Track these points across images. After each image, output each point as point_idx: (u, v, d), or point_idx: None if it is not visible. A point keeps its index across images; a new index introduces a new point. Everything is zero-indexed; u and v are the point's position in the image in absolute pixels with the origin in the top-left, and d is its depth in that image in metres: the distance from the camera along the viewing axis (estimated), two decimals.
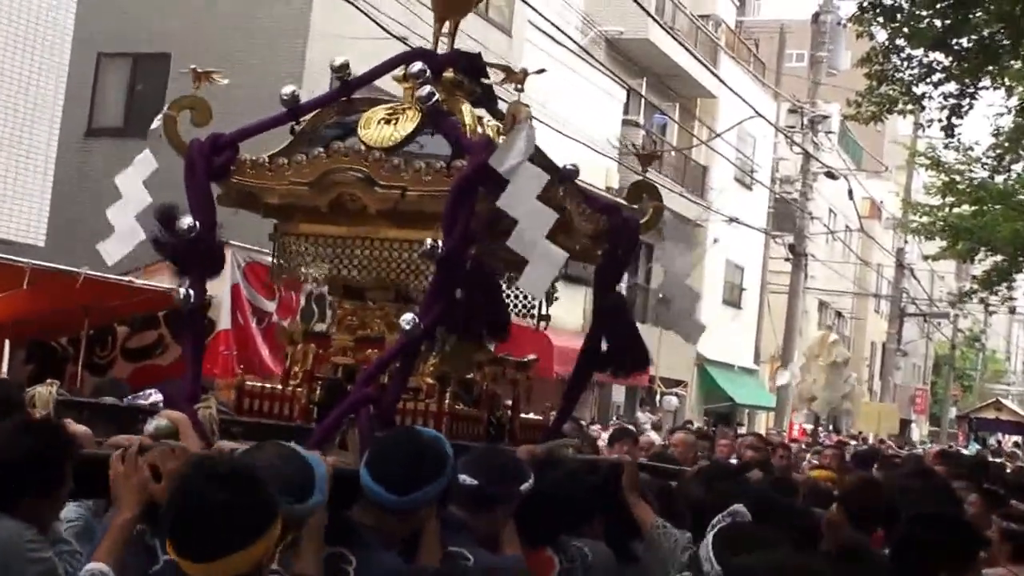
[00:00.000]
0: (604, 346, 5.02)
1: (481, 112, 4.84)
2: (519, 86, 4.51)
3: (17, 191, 12.06)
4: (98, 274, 8.70)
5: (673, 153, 28.14)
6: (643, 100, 26.49)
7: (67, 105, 16.97)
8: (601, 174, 22.60)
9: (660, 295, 5.75)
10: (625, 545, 4.31)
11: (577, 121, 18.37)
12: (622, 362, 5.02)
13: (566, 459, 4.35)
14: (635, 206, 5.18)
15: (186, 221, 4.23)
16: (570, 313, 19.74)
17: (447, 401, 4.39)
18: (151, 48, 17.44)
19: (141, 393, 8.32)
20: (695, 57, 27.71)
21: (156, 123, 4.52)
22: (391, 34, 13.16)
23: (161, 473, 3.00)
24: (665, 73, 27.38)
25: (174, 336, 9.70)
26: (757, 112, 23.30)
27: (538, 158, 4.23)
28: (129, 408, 4.73)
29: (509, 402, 5.04)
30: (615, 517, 4.30)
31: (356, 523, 3.31)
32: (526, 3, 18.01)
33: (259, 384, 4.68)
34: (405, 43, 12.92)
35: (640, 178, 5.43)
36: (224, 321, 9.29)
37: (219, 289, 9.03)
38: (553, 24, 20.18)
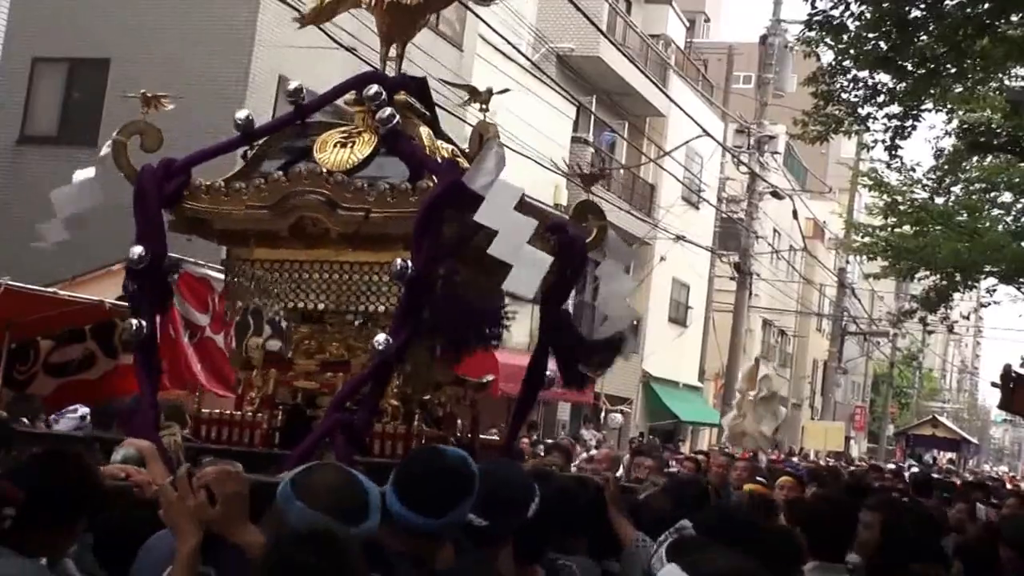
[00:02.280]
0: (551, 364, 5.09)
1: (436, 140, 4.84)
2: (484, 106, 4.50)
3: None
4: (20, 284, 8.46)
5: (622, 171, 28.29)
6: (593, 117, 26.62)
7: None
8: (550, 191, 22.67)
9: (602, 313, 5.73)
10: (604, 560, 4.32)
11: (527, 137, 18.40)
12: (572, 376, 5.08)
13: (556, 475, 4.35)
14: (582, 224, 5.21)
15: (136, 251, 4.17)
16: (515, 332, 19.74)
17: (415, 423, 4.35)
18: (89, 53, 17.15)
19: (68, 409, 8.17)
20: (645, 75, 27.93)
21: (105, 150, 4.45)
22: (339, 44, 13.06)
23: (216, 497, 2.87)
24: (615, 91, 27.59)
25: (102, 349, 9.49)
26: (705, 131, 23.52)
27: None
28: (85, 439, 4.62)
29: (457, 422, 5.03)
30: (597, 532, 4.32)
31: (388, 551, 3.16)
32: (478, 18, 18.01)
33: (216, 412, 4.60)
34: (354, 53, 12.85)
35: (585, 198, 5.46)
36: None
37: None
38: (505, 39, 20.22)
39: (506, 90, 4.90)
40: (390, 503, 3.17)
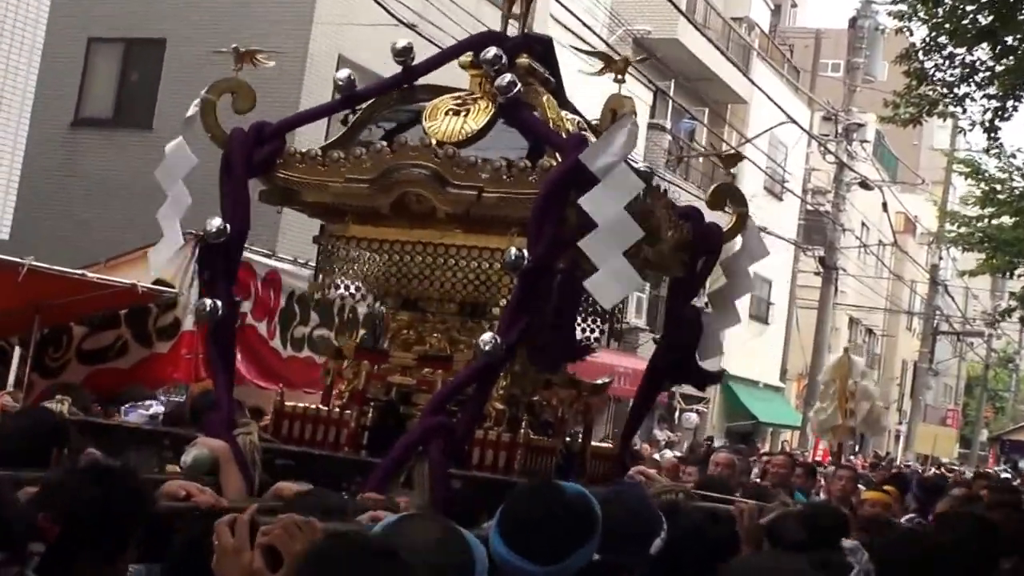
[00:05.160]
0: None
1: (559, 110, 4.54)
2: (620, 76, 4.18)
3: None
4: (44, 265, 8.25)
5: (701, 159, 27.87)
6: (671, 103, 26.22)
7: (53, 94, 16.76)
8: None
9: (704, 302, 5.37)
10: None
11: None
12: (696, 376, 4.86)
13: (685, 509, 3.98)
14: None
15: (215, 223, 3.90)
16: None
17: (522, 431, 4.05)
18: (144, 33, 17.11)
19: (141, 403, 7.94)
20: (727, 59, 27.48)
21: (192, 110, 4.19)
22: (400, 20, 12.84)
23: (282, 556, 2.33)
24: (695, 76, 27.17)
25: (135, 337, 9.27)
26: (789, 117, 23.04)
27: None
28: (154, 432, 4.36)
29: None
30: None
31: None
32: None
33: (301, 406, 4.35)
34: (414, 29, 12.59)
35: (724, 181, 5.20)
36: (189, 322, 8.73)
37: (185, 285, 8.60)
38: (580, 20, 19.90)
39: (646, 58, 4.59)
40: (494, 547, 2.82)
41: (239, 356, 9.25)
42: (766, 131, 25.17)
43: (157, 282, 8.57)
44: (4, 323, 8.97)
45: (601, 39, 21.82)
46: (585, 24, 20.92)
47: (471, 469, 3.87)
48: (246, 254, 9.07)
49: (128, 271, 8.88)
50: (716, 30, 28.58)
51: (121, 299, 8.82)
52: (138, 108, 16.79)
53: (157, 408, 7.83)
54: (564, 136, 4.05)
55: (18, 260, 8.06)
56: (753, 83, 25.63)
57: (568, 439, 4.64)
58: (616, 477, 4.60)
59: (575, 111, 4.62)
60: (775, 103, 22.49)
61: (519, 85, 4.01)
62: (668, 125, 26.55)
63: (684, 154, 26.37)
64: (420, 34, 12.20)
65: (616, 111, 3.95)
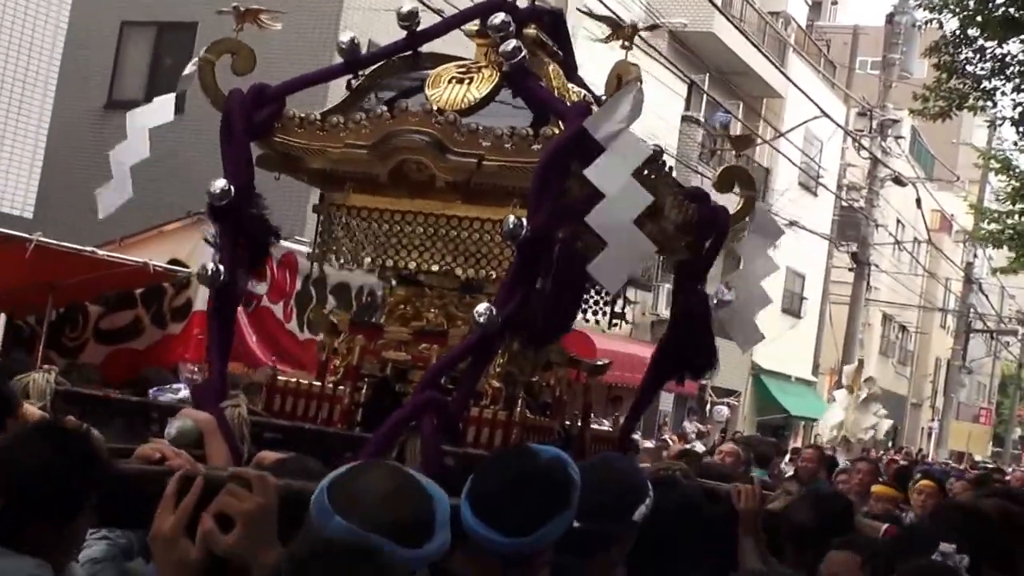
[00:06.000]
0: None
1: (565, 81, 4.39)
2: (627, 42, 4.02)
3: (7, 161, 11.70)
4: (51, 241, 8.15)
5: (735, 155, 27.60)
6: (705, 96, 26.00)
7: (86, 77, 16.77)
8: None
9: (724, 292, 5.16)
10: None
11: None
12: (695, 365, 4.66)
13: (682, 484, 3.82)
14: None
15: (218, 184, 3.77)
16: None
17: (518, 409, 3.90)
18: (176, 16, 17.08)
19: (169, 387, 7.84)
20: (762, 54, 27.22)
21: (190, 68, 4.07)
22: (428, 6, 12.72)
23: (233, 520, 2.20)
24: (729, 70, 26.95)
25: (152, 317, 9.18)
26: (823, 112, 22.75)
27: None
28: (142, 404, 4.23)
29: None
30: (714, 557, 3.74)
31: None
32: None
33: (294, 380, 4.22)
34: (440, 15, 12.42)
35: (732, 163, 5.04)
36: (201, 301, 8.60)
37: (198, 264, 8.47)
38: (612, 11, 19.70)
39: (656, 26, 4.43)
40: (464, 519, 2.60)
41: (255, 338, 9.25)
42: (800, 125, 24.87)
43: (171, 262, 8.49)
44: (18, 302, 8.92)
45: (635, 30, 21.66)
46: (617, 16, 20.75)
47: (465, 447, 3.73)
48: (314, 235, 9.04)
49: (142, 250, 8.82)
50: (752, 24, 28.31)
51: (134, 278, 8.75)
52: (170, 91, 16.69)
53: (185, 392, 7.72)
54: (568, 104, 3.89)
55: (25, 235, 7.98)
56: (788, 78, 25.39)
57: (568, 423, 4.49)
58: None
59: (585, 87, 4.47)
60: (809, 98, 22.23)
61: (524, 51, 3.85)
62: (702, 118, 26.32)
63: (718, 147, 26.11)
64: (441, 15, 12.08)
65: (622, 77, 3.78)
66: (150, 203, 8.22)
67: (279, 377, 4.24)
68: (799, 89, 23.04)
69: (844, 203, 30.50)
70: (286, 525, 2.23)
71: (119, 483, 2.49)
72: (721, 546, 3.73)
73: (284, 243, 9.34)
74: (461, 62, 4.21)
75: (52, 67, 12.13)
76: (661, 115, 21.96)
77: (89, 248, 8.63)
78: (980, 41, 13.56)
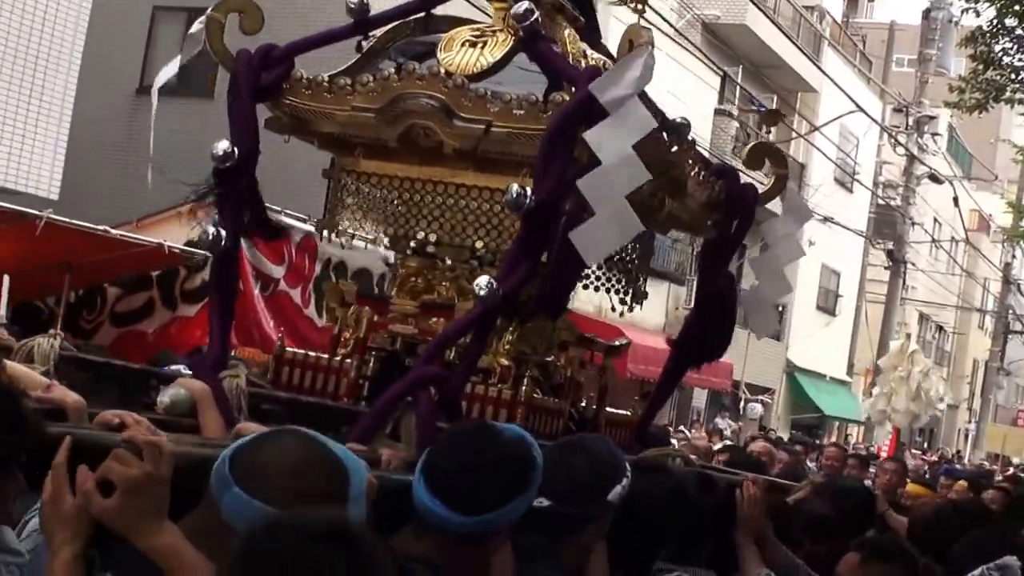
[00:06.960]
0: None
1: (583, 46, 4.24)
2: (639, 5, 3.86)
3: (31, 142, 11.66)
4: (62, 219, 8.03)
5: (765, 129, 27.41)
6: (738, 89, 25.78)
7: (118, 62, 16.76)
8: None
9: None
10: None
11: (667, 107, 17.67)
12: (713, 347, 4.52)
13: (673, 469, 3.66)
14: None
15: (222, 146, 3.65)
16: (651, 310, 19.05)
17: (524, 387, 3.76)
18: (207, 2, 16.98)
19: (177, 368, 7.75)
20: (796, 47, 26.96)
21: (197, 26, 3.97)
22: None
23: (115, 484, 2.05)
24: (763, 63, 26.72)
25: (162, 299, 9.07)
26: (858, 106, 22.46)
27: (644, 102, 3.60)
28: (142, 372, 4.12)
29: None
30: (715, 552, 3.54)
31: (404, 555, 2.41)
32: None
33: (301, 353, 4.10)
34: None
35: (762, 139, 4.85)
36: None
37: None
38: (647, 3, 19.51)
39: None
40: (418, 495, 2.48)
41: (272, 323, 9.12)
42: (836, 119, 24.63)
43: (189, 244, 8.38)
44: (36, 282, 8.84)
45: (668, 23, 21.44)
46: (651, 7, 20.57)
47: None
48: (280, 218, 8.90)
49: (158, 231, 8.72)
50: (787, 18, 28.07)
51: (151, 259, 8.65)
52: (200, 76, 16.76)
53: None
54: (578, 69, 3.74)
55: (36, 212, 7.88)
56: (822, 71, 25.14)
57: (584, 405, 4.34)
58: (631, 450, 4.29)
59: (608, 53, 4.31)
60: (844, 91, 21.95)
61: (536, 14, 3.70)
62: (735, 111, 26.10)
63: (752, 139, 25.88)
64: None
65: (633, 41, 3.63)
66: (171, 187, 8.13)
67: (287, 349, 4.12)
68: (834, 82, 22.77)
69: (880, 200, 30.20)
70: (191, 495, 2.09)
71: (51, 448, 2.26)
72: (714, 536, 3.53)
73: (304, 226, 9.24)
74: (476, 25, 4.07)
75: (76, 49, 12.07)
76: (694, 107, 21.78)
77: (102, 227, 8.52)
78: (1018, 31, 13.26)
